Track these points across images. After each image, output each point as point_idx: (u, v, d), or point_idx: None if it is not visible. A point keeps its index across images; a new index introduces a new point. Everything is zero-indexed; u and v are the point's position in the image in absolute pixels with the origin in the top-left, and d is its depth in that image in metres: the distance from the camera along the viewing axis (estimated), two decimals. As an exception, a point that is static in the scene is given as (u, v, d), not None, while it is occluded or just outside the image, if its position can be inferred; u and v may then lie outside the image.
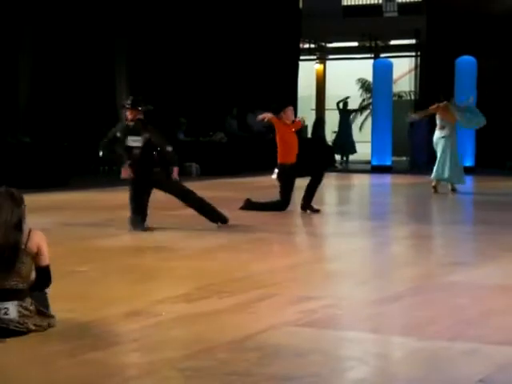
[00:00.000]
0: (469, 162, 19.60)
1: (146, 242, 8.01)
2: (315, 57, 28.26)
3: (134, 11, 18.19)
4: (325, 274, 6.70)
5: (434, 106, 13.91)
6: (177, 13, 19.13)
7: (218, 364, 3.96)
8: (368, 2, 26.48)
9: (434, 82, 22.22)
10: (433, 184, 13.91)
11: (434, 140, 13.99)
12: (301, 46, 25.69)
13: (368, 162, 21.60)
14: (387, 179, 18.30)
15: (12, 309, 4.38)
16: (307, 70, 26.85)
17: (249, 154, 18.68)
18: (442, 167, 13.76)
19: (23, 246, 4.46)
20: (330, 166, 21.48)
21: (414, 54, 25.62)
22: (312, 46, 27.55)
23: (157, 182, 8.80)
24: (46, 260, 4.56)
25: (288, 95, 23.45)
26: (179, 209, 9.43)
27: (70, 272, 6.22)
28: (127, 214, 8.81)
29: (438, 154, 13.84)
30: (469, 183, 16.82)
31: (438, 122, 13.91)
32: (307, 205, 10.59)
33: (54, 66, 16.64)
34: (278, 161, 10.73)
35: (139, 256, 7.26)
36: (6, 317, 4.35)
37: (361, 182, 18.01)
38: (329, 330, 4.69)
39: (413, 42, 25.59)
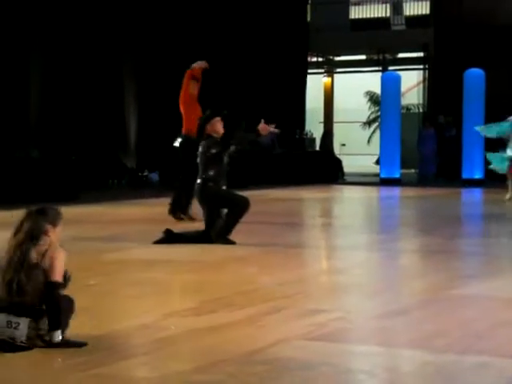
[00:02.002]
0: (478, 175, 19.59)
1: (156, 256, 8.02)
2: (323, 70, 28.32)
3: (143, 27, 18.28)
4: (333, 287, 6.69)
5: None
6: (185, 27, 19.20)
7: (227, 378, 3.96)
8: (376, 16, 26.53)
9: (442, 95, 22.25)
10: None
11: None
12: (309, 59, 25.75)
13: (376, 175, 21.59)
14: (396, 192, 18.28)
15: (23, 325, 4.32)
16: (315, 83, 26.90)
17: (256, 167, 18.67)
18: None
19: (35, 261, 4.40)
20: (338, 179, 21.51)
21: (422, 66, 25.65)
22: (320, 59, 27.60)
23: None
24: (55, 275, 4.40)
25: (296, 108, 23.53)
26: (187, 222, 9.44)
27: (80, 286, 6.22)
28: (137, 227, 8.82)
29: None
30: (478, 195, 16.81)
31: None
32: (174, 209, 10.30)
33: (63, 80, 16.72)
34: (184, 130, 10.46)
35: (149, 270, 7.27)
36: (14, 331, 4.32)
37: (369, 195, 17.99)
38: (338, 344, 4.68)
39: (421, 54, 25.63)
